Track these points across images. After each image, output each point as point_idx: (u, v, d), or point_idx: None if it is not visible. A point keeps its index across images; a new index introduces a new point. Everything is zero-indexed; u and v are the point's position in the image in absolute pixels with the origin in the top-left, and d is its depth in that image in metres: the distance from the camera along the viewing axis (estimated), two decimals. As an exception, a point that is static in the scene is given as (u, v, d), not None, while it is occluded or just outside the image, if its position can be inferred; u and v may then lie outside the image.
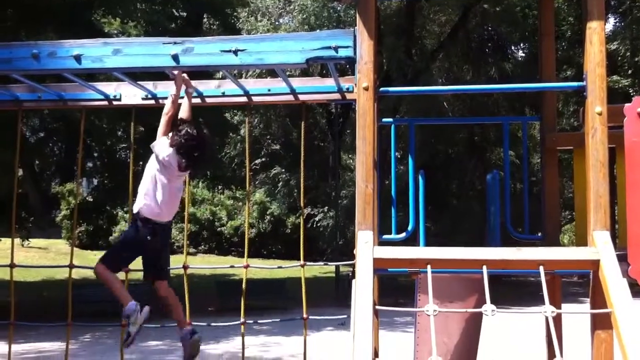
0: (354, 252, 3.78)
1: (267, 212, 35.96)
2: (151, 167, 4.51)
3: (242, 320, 4.84)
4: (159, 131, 4.48)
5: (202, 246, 36.98)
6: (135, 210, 4.52)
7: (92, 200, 25.31)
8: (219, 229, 36.99)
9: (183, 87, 4.59)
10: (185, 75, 4.57)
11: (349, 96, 4.76)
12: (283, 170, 32.85)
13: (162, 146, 4.42)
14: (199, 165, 4.70)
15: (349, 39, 3.87)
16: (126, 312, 4.41)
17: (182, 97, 4.64)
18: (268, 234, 35.18)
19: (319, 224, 29.40)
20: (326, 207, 31.20)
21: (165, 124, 4.47)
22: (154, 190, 4.46)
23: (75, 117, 17.09)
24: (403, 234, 4.89)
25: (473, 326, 5.24)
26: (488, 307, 3.21)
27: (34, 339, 12.85)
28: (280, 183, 34.00)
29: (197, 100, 4.95)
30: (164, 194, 4.47)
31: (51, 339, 13.13)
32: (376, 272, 3.64)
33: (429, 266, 3.54)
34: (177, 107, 4.57)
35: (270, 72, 19.29)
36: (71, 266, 5.00)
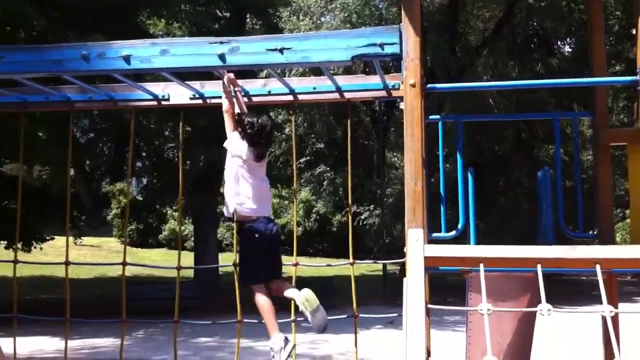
0: (404, 250, 3.74)
1: (313, 211, 36.04)
2: (231, 167, 4.54)
3: (292, 318, 4.83)
4: (227, 129, 4.55)
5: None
6: (229, 215, 4.52)
7: (141, 199, 25.73)
8: (265, 227, 37.22)
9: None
10: (231, 74, 4.62)
11: (395, 93, 4.72)
12: (328, 168, 32.85)
13: (236, 142, 4.48)
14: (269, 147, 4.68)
15: (395, 36, 3.83)
16: (271, 345, 4.42)
17: (233, 96, 4.69)
18: (314, 232, 35.23)
19: (365, 222, 29.31)
20: (372, 205, 31.09)
21: (230, 121, 4.54)
22: (241, 188, 4.49)
23: (124, 118, 17.38)
24: (453, 232, 4.81)
25: (526, 326, 5.14)
26: (544, 307, 3.14)
27: (89, 335, 13.12)
28: (326, 182, 34.02)
29: (244, 100, 4.97)
30: (252, 188, 4.51)
31: (105, 335, 13.39)
32: (427, 270, 3.59)
33: (481, 265, 3.48)
34: (233, 102, 4.62)
35: (313, 70, 19.33)
36: (124, 264, 5.08)
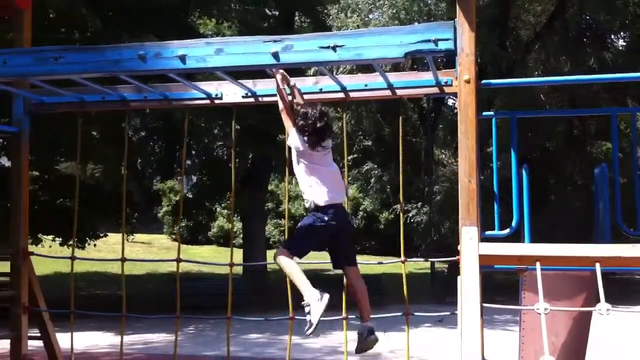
0: (453, 247, 3.71)
1: (360, 208, 35.99)
2: (296, 163, 4.56)
3: (344, 315, 4.83)
4: (287, 127, 4.56)
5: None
6: (311, 206, 4.52)
7: (191, 196, 26.11)
8: (312, 224, 37.36)
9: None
10: (282, 72, 4.64)
11: (447, 90, 4.68)
12: (375, 166, 32.74)
13: (294, 139, 4.49)
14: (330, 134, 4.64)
15: (449, 31, 3.79)
16: (306, 302, 4.27)
17: (288, 93, 4.70)
18: (361, 230, 35.16)
19: (412, 220, 29.14)
20: (419, 203, 30.88)
21: (287, 119, 4.56)
22: (314, 181, 4.50)
23: (175, 117, 17.67)
24: (507, 230, 4.74)
25: (581, 325, 5.04)
26: (602, 306, 3.07)
27: (141, 331, 13.37)
28: (373, 179, 33.91)
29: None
30: (324, 178, 4.51)
31: (157, 331, 13.64)
32: (482, 269, 3.55)
33: (537, 263, 3.42)
34: (288, 100, 4.64)
35: (360, 67, 19.29)
36: (178, 260, 5.16)
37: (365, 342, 4.62)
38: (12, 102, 5.30)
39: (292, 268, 4.35)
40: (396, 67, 20.58)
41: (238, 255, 30.08)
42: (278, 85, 4.61)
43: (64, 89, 5.11)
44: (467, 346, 3.16)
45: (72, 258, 5.34)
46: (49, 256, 5.95)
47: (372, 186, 34.48)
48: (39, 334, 5.59)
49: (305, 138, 4.44)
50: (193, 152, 26.26)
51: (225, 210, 34.49)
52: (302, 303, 4.28)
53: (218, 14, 17.94)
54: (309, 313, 4.22)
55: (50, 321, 5.63)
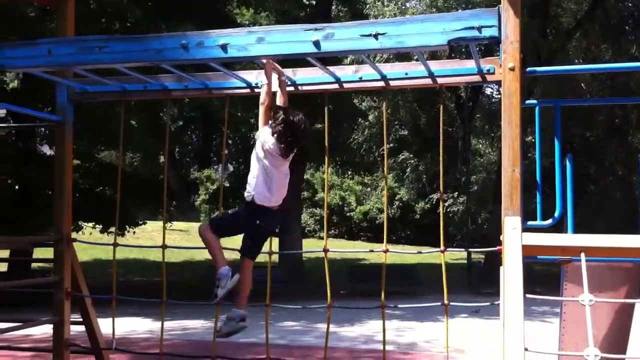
0: (489, 237, 3.67)
1: (396, 198, 35.88)
2: (258, 156, 4.64)
3: (382, 303, 4.82)
4: (260, 121, 4.67)
5: (332, 231, 37.51)
6: (248, 199, 4.68)
7: (228, 185, 26.31)
8: (348, 214, 37.33)
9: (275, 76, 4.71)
10: (274, 63, 4.67)
11: (489, 78, 4.62)
12: (411, 155, 32.57)
13: (265, 135, 4.58)
14: (300, 149, 4.81)
15: (494, 18, 3.74)
16: (219, 275, 4.66)
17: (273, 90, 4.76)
18: (397, 219, 35.06)
19: (448, 210, 28.95)
20: (456, 193, 30.66)
21: (263, 114, 4.65)
22: (263, 178, 4.62)
23: (213, 106, 17.79)
24: (549, 220, 4.66)
25: (623, 318, 4.95)
26: (650, 299, 3.00)
27: (179, 317, 13.56)
28: (409, 169, 33.76)
29: (335, 86, 4.99)
30: (273, 180, 4.65)
31: (194, 317, 13.80)
32: (525, 259, 3.51)
33: (582, 254, 3.37)
34: (271, 96, 4.69)
35: (397, 56, 19.12)
36: (216, 248, 5.18)
37: (235, 328, 4.91)
38: (56, 91, 5.38)
39: (212, 242, 4.74)
40: (433, 55, 20.40)
41: (274, 243, 30.25)
42: (268, 77, 4.64)
43: (107, 78, 5.17)
44: (509, 337, 3.13)
45: (114, 245, 5.42)
46: (92, 242, 6.04)
47: (407, 176, 34.35)
48: (81, 319, 5.71)
49: (279, 144, 4.55)
50: (230, 142, 26.43)
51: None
52: (216, 277, 4.70)
53: (256, 4, 17.97)
54: (217, 286, 4.67)
55: (92, 306, 5.74)
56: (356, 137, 29.87)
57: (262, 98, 4.64)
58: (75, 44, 4.21)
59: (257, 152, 4.65)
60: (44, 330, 9.70)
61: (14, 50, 4.28)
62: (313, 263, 27.29)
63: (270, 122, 4.62)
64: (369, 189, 38.78)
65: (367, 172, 35.58)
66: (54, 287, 5.41)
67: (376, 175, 37.60)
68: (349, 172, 35.39)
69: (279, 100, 4.77)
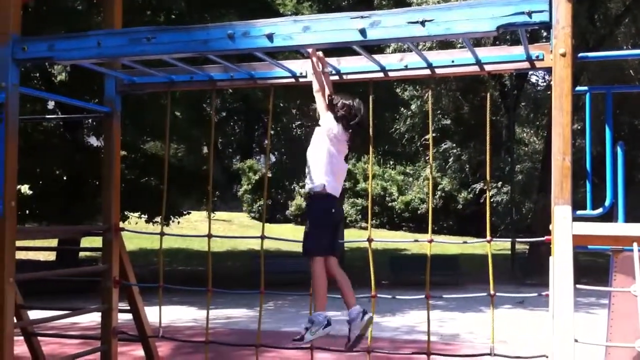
0: (539, 227, 3.60)
1: (438, 188, 35.60)
2: (322, 144, 4.56)
3: (427, 294, 4.78)
4: (321, 109, 4.62)
5: (373, 221, 37.41)
6: (317, 189, 4.51)
7: (270, 175, 26.49)
8: (389, 204, 37.18)
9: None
10: (320, 53, 4.66)
11: (538, 64, 4.54)
12: (454, 145, 32.26)
13: (330, 122, 4.53)
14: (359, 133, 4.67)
15: (544, 3, 3.64)
16: (314, 318, 4.46)
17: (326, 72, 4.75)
18: (439, 209, 34.76)
19: (492, 200, 28.62)
20: (499, 183, 30.27)
21: (322, 101, 4.62)
22: (331, 167, 4.52)
23: (256, 96, 17.87)
24: (599, 210, 4.56)
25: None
26: None
27: (222, 306, 13.72)
28: (451, 158, 33.45)
29: (380, 75, 4.95)
30: (339, 168, 4.59)
31: (237, 306, 13.95)
32: (575, 249, 3.43)
33: (635, 244, 3.28)
34: (323, 82, 4.67)
35: (440, 43, 18.92)
36: (262, 237, 5.22)
37: (363, 326, 4.55)
38: (105, 82, 5.46)
39: (321, 283, 4.48)
40: (477, 42, 20.10)
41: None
42: (314, 66, 4.64)
43: (154, 69, 5.23)
44: (559, 328, 3.08)
45: (161, 234, 5.48)
46: (139, 232, 6.13)
47: (450, 165, 34.04)
48: (128, 307, 5.80)
49: (345, 131, 4.51)
50: (272, 132, 26.55)
51: (303, 190, 34.78)
52: (310, 318, 4.49)
53: (298, -7, 17.97)
54: (308, 329, 4.42)
55: (139, 295, 5.83)
56: (398, 126, 29.72)
57: (317, 86, 4.64)
58: (123, 36, 4.25)
59: (320, 141, 4.57)
60: (91, 318, 9.91)
61: (65, 42, 4.34)
62: (354, 253, 27.30)
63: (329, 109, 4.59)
64: (410, 179, 38.55)
65: (409, 161, 35.40)
66: (103, 276, 5.51)
67: (418, 165, 37.36)
68: (391, 162, 35.21)
69: (327, 90, 4.75)
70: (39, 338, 6.20)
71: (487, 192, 4.97)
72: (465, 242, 5.35)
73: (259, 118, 35.49)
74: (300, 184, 33.39)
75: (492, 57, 4.71)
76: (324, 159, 4.53)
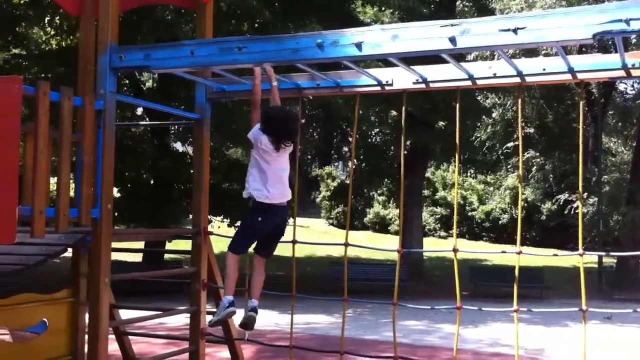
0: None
1: (520, 198, 34.74)
2: (253, 156, 4.78)
3: (514, 307, 4.69)
4: (252, 120, 4.82)
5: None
6: (246, 196, 4.79)
7: (348, 182, 26.54)
8: (469, 213, 36.56)
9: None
10: (268, 66, 4.76)
11: (635, 73, 4.40)
12: (537, 154, 31.44)
13: (255, 132, 4.73)
14: (291, 140, 4.81)
15: (643, 10, 3.52)
16: (222, 302, 4.83)
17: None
18: (521, 220, 33.94)
19: (577, 211, 27.71)
20: (585, 194, 29.30)
21: (254, 113, 4.84)
22: (260, 175, 4.72)
23: (337, 104, 17.97)
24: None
25: None
26: None
27: (302, 311, 13.79)
28: (534, 168, 32.60)
29: (468, 83, 4.90)
30: (269, 177, 4.71)
31: (316, 312, 14.02)
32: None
33: None
34: (260, 95, 4.90)
35: (525, 51, 18.51)
36: (346, 244, 5.25)
37: (246, 317, 4.88)
38: (195, 90, 5.63)
39: (231, 274, 4.84)
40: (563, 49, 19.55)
41: (394, 241, 30.16)
42: (256, 79, 4.85)
43: (243, 77, 5.35)
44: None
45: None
46: (226, 236, 6.25)
47: (533, 175, 33.19)
48: (215, 310, 5.94)
49: (269, 138, 4.65)
50: (350, 139, 26.63)
51: (382, 197, 34.66)
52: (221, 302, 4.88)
53: (380, 1, 17.97)
54: (216, 313, 4.85)
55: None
56: (479, 134, 29.23)
57: (254, 98, 4.87)
58: (215, 45, 4.38)
59: (252, 153, 4.81)
60: (177, 319, 10.18)
61: (160, 51, 4.50)
62: (432, 262, 26.97)
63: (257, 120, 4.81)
64: (491, 188, 37.80)
65: (490, 170, 34.72)
66: (192, 278, 5.66)
67: (499, 174, 36.60)
68: (471, 171, 34.68)
69: (272, 103, 4.98)
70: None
71: (580, 203, 4.84)
72: (555, 255, 5.23)
73: (337, 125, 35.66)
74: (379, 191, 33.31)
75: (585, 65, 4.59)
76: (253, 169, 4.76)
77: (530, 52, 19.30)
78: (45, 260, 4.67)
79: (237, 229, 4.99)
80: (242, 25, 15.60)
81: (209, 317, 5.77)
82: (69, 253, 5.25)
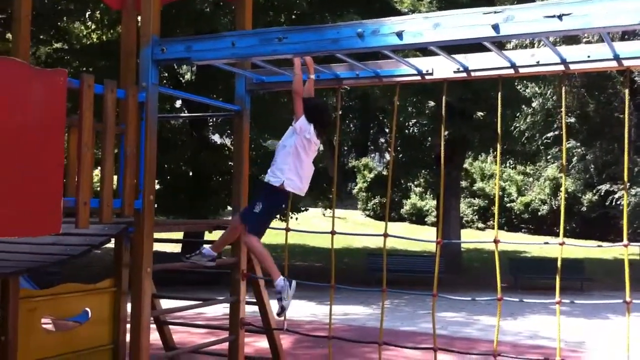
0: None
1: (560, 189, 34.22)
2: (291, 143, 4.78)
3: (557, 299, 4.61)
4: (297, 110, 4.81)
5: (491, 222, 36.52)
6: (276, 184, 4.77)
7: (385, 173, 26.46)
8: (508, 204, 36.15)
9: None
10: (309, 58, 4.85)
11: (682, 60, 4.28)
12: (578, 144, 30.87)
13: (304, 122, 4.76)
14: (325, 132, 4.97)
15: (695, -7, 3.42)
16: (277, 288, 4.73)
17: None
18: (564, 210, 33.42)
19: (619, 202, 27.16)
20: (629, 184, 28.70)
21: (299, 103, 4.82)
22: (295, 166, 4.76)
23: (374, 94, 17.88)
24: None
25: None
26: None
27: (339, 302, 13.84)
28: (575, 158, 32.03)
29: (510, 71, 4.81)
30: (305, 170, 4.80)
31: (354, 303, 14.05)
32: None
33: None
34: (302, 85, 4.87)
35: (566, 38, 18.12)
36: (385, 235, 5.23)
37: (205, 262, 5.13)
38: (235, 81, 5.65)
39: (263, 253, 4.83)
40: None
41: (431, 233, 29.99)
42: (298, 69, 4.81)
43: (282, 68, 5.35)
44: None
45: (287, 229, 5.59)
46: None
47: (573, 165, 32.62)
48: (254, 300, 5.99)
49: (315, 129, 4.76)
50: (386, 130, 26.51)
51: (419, 188, 34.44)
52: (275, 289, 4.77)
53: (418, -9, 17.82)
54: (281, 299, 4.71)
55: (264, 288, 6.00)
56: (518, 124, 28.82)
57: (297, 88, 4.82)
58: (256, 36, 4.37)
59: (289, 139, 4.82)
60: (215, 309, 10.28)
61: (201, 43, 4.52)
62: (470, 254, 26.75)
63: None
64: (530, 179, 37.29)
65: (529, 161, 34.25)
66: (232, 269, 5.70)
67: (539, 165, 36.09)
68: (510, 161, 34.26)
69: (307, 94, 4.98)
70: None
71: (625, 193, 4.75)
72: (599, 246, 5.13)
73: (374, 116, 35.51)
74: (416, 182, 33.12)
75: (631, 52, 4.48)
76: (290, 158, 4.77)
77: (571, 39, 18.93)
78: (89, 250, 4.75)
79: (257, 211, 4.91)
80: (280, 17, 15.61)
81: (248, 307, 5.82)
82: (111, 244, 5.34)
